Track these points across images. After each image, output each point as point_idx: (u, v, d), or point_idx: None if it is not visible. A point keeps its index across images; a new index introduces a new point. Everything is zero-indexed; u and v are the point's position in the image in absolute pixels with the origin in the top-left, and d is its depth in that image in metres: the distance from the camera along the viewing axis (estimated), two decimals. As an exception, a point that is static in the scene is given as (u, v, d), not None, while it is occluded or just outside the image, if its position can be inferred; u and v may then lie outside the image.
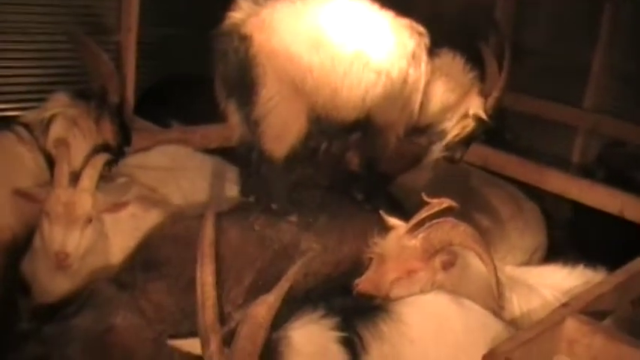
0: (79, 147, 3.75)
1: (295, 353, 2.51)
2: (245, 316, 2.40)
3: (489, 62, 4.03)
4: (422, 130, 4.02)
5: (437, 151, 4.12)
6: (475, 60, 4.01)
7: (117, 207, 3.48)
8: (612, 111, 5.34)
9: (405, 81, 3.69)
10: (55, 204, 3.26)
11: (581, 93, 5.51)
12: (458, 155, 4.10)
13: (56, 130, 3.82)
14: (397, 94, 3.70)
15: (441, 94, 3.89)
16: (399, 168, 4.27)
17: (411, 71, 3.71)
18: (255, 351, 2.35)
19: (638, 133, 5.06)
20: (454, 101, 3.93)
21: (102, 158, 3.51)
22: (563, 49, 5.73)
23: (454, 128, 3.99)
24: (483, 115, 3.93)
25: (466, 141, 4.07)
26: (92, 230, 3.36)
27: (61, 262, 3.26)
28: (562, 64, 5.70)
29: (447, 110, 3.94)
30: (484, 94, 3.98)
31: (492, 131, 5.28)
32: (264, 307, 2.38)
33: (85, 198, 3.32)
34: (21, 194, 3.39)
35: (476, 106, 3.94)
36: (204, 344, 2.44)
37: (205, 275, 2.51)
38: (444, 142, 4.03)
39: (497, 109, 4.01)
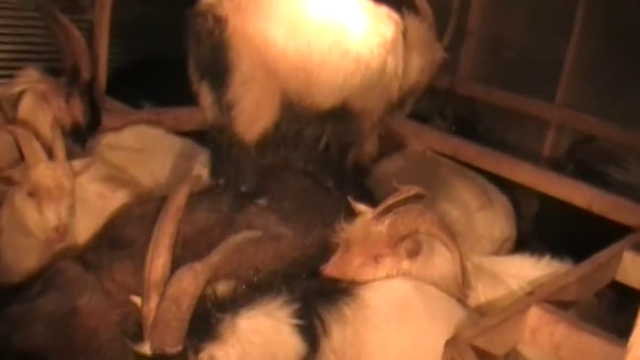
0: (49, 123, 3.69)
1: (236, 339, 2.47)
2: (170, 280, 2.35)
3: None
4: (397, 106, 4.07)
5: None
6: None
7: (87, 166, 3.47)
8: (584, 106, 5.37)
9: (383, 70, 3.70)
10: (43, 179, 3.23)
11: (554, 87, 5.54)
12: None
13: (25, 105, 3.78)
14: (376, 83, 3.70)
15: (415, 69, 3.92)
16: (370, 155, 4.27)
17: (390, 60, 3.71)
18: (181, 315, 2.30)
19: (608, 129, 5.11)
20: (425, 66, 3.97)
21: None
22: (537, 44, 5.76)
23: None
24: (445, 56, 4.00)
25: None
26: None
27: (61, 236, 3.25)
28: (536, 58, 5.73)
29: (419, 79, 3.99)
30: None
31: (464, 123, 5.35)
32: (191, 272, 2.32)
33: (67, 168, 3.31)
34: (2, 179, 3.32)
35: (439, 54, 4.02)
36: (145, 300, 2.40)
37: (162, 234, 2.46)
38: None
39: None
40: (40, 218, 3.26)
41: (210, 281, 2.41)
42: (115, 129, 4.26)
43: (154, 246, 2.45)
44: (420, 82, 4.18)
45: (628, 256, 3.33)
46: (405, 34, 3.85)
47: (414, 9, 4.11)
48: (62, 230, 3.26)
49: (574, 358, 2.70)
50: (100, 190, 3.64)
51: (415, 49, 3.98)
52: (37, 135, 3.44)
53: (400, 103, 4.15)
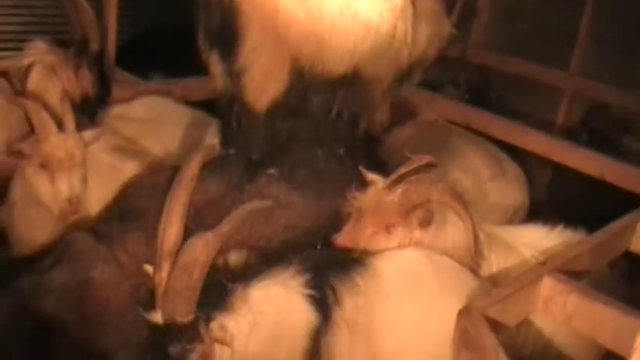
0: (58, 95, 3.68)
1: (248, 309, 2.48)
2: (182, 249, 2.36)
3: None
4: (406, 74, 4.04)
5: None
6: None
7: (97, 136, 3.47)
8: (597, 74, 5.32)
9: (393, 36, 3.66)
10: (55, 151, 3.22)
11: (568, 56, 5.48)
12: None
13: (34, 78, 3.76)
14: (386, 49, 3.66)
15: (423, 39, 3.88)
16: (382, 124, 4.25)
17: (400, 25, 3.67)
18: (192, 285, 2.31)
19: (622, 97, 5.06)
20: (433, 37, 3.94)
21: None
22: (551, 12, 5.69)
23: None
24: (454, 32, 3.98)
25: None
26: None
27: (74, 207, 3.26)
28: (550, 26, 5.66)
29: (427, 50, 3.96)
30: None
31: (477, 91, 5.30)
32: (202, 241, 2.33)
33: (78, 139, 3.31)
34: (14, 153, 3.32)
35: (447, 28, 3.99)
36: (157, 270, 2.42)
37: (175, 203, 2.46)
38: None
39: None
40: (53, 190, 3.26)
41: (221, 250, 2.41)
42: (125, 100, 4.24)
43: (167, 215, 2.45)
44: (427, 52, 4.14)
45: (642, 226, 3.31)
46: (413, 1, 3.81)
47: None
48: (75, 202, 3.27)
49: (587, 328, 2.70)
50: (111, 162, 3.63)
51: (424, 19, 3.94)
52: (47, 107, 3.42)
53: (409, 72, 4.12)
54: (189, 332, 2.35)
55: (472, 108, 4.81)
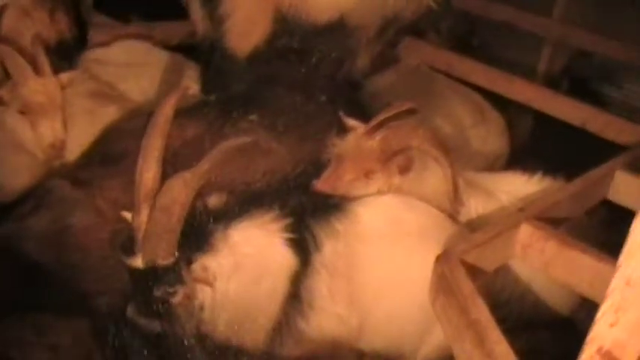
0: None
1: (229, 250, 2.49)
2: (160, 190, 2.35)
3: None
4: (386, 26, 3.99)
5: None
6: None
7: (74, 79, 3.42)
8: (581, 22, 5.27)
9: None
10: (35, 96, 3.18)
11: (551, 2, 5.43)
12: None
13: (7, 21, 3.68)
14: None
15: None
16: (363, 71, 4.21)
17: None
18: (172, 226, 2.30)
19: (606, 45, 5.02)
20: None
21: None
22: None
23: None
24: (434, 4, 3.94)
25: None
26: None
27: (58, 152, 3.22)
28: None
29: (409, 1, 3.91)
30: None
31: (460, 38, 5.25)
32: (180, 181, 2.32)
33: (56, 83, 3.26)
34: None
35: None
36: (136, 213, 2.41)
37: (151, 146, 2.44)
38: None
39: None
40: (35, 136, 3.22)
41: (200, 191, 2.40)
42: (103, 44, 4.18)
43: (143, 159, 2.43)
44: (409, 9, 4.07)
45: (620, 175, 3.31)
46: None
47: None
48: (59, 145, 3.24)
49: (564, 275, 2.71)
50: (89, 106, 3.59)
51: None
52: (22, 52, 3.35)
53: (394, 22, 4.06)
54: (171, 275, 2.35)
55: (454, 55, 4.76)
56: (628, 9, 4.98)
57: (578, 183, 3.19)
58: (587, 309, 2.85)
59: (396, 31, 4.28)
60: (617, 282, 1.45)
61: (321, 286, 2.67)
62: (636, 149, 3.56)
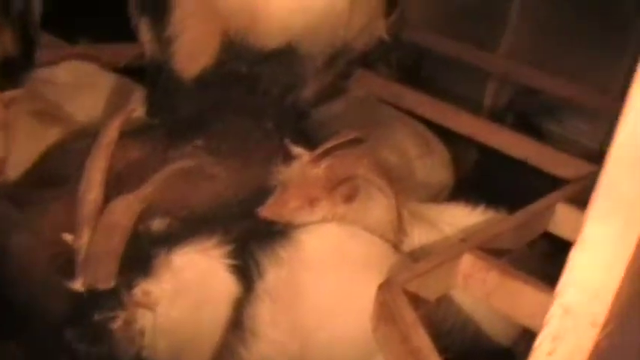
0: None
1: (171, 275, 2.47)
2: (103, 212, 2.33)
3: None
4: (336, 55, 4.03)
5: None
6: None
7: (16, 97, 3.34)
8: (527, 58, 5.40)
9: (329, 13, 3.64)
10: None
11: (499, 38, 5.55)
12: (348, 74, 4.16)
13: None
14: (321, 26, 3.64)
15: (357, 26, 3.87)
16: (310, 100, 4.23)
17: (337, 2, 3.65)
18: (112, 249, 2.28)
19: (551, 82, 5.15)
20: (365, 30, 3.93)
21: None
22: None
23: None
24: (386, 37, 3.97)
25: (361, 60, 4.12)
26: None
27: (1, 170, 3.15)
28: (481, 7, 5.72)
29: (361, 33, 3.95)
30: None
31: (408, 70, 5.31)
32: (122, 203, 2.31)
33: None
34: None
35: (380, 28, 3.99)
36: (77, 235, 2.38)
37: (94, 168, 2.42)
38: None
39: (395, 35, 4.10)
40: None
41: (143, 215, 2.38)
42: (50, 63, 4.12)
43: (86, 180, 2.41)
44: (358, 41, 4.13)
45: (561, 208, 3.37)
46: None
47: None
48: (0, 164, 3.18)
49: (505, 305, 2.74)
50: (34, 126, 3.53)
51: (361, 8, 3.92)
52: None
53: (342, 53, 4.11)
54: (111, 299, 2.32)
55: (402, 87, 4.82)
56: (575, 44, 5.11)
57: (520, 215, 3.25)
58: (527, 340, 2.88)
59: (347, 62, 4.32)
60: (554, 310, 1.47)
61: (264, 312, 2.65)
62: (576, 183, 3.64)
